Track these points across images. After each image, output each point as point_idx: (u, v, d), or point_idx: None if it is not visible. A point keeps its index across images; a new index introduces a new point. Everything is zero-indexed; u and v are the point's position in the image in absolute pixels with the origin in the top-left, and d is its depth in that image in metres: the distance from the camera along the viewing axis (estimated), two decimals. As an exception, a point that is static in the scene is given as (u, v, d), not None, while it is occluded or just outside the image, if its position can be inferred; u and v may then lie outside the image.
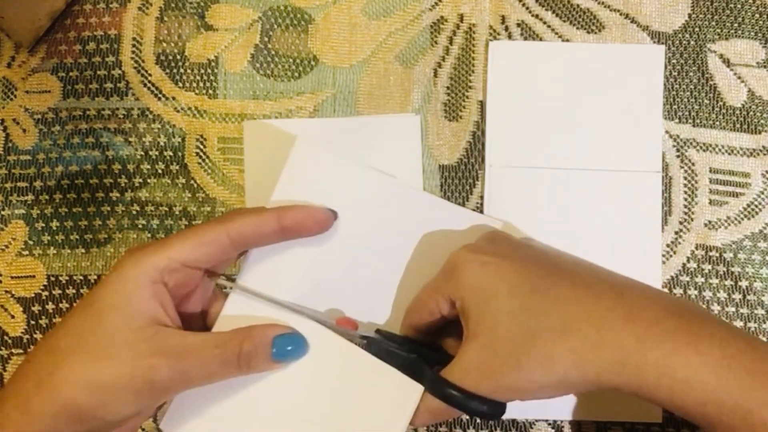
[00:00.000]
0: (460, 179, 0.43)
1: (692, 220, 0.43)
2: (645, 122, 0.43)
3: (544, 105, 0.43)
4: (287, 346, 0.32)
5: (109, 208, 0.43)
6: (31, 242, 0.43)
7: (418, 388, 0.33)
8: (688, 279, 0.42)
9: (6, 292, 0.43)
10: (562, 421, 0.41)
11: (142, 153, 0.43)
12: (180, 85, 0.44)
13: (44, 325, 0.42)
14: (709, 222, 0.43)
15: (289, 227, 0.33)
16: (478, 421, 0.41)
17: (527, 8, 0.44)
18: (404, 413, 0.33)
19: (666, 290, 0.42)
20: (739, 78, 0.44)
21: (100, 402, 0.28)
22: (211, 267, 0.33)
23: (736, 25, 0.44)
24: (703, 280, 0.42)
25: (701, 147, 0.43)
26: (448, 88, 0.44)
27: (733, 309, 0.42)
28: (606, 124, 0.43)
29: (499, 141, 0.43)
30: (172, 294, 0.31)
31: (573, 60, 0.43)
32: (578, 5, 0.44)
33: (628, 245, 0.42)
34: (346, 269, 0.38)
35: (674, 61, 0.44)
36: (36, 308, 0.43)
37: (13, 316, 0.43)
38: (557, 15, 0.44)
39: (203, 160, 0.43)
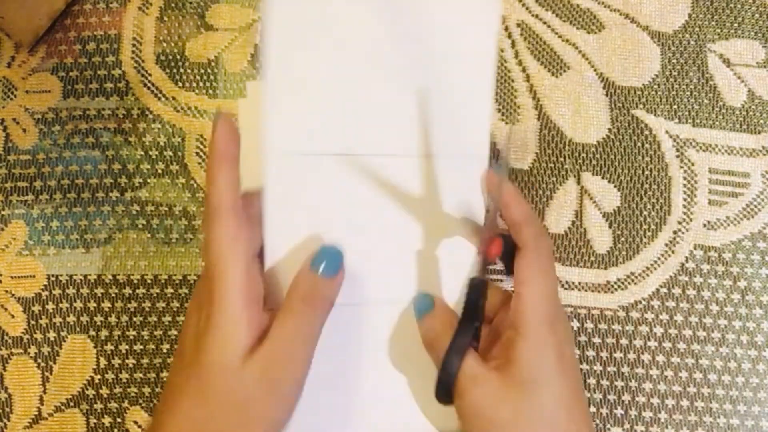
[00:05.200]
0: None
1: (691, 220, 0.43)
2: (471, 98, 0.34)
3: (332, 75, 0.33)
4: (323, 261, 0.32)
5: (109, 208, 0.43)
6: (31, 242, 0.43)
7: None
8: (686, 279, 0.42)
9: (6, 291, 0.43)
10: (561, 421, 0.41)
11: (142, 153, 0.43)
12: (180, 85, 0.44)
13: (44, 325, 0.42)
14: (708, 222, 0.43)
15: None
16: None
17: (527, 8, 0.44)
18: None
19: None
20: (739, 78, 0.44)
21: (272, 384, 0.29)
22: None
23: (736, 25, 0.44)
24: (701, 280, 0.42)
25: (701, 147, 0.43)
26: (447, 88, 0.44)
27: (732, 309, 0.42)
28: (418, 100, 0.33)
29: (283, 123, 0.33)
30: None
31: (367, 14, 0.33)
32: (578, 5, 0.44)
33: (444, 242, 0.35)
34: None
35: (674, 61, 0.44)
36: (36, 308, 0.43)
37: (13, 316, 0.43)
38: (557, 15, 0.44)
39: (203, 160, 0.43)
